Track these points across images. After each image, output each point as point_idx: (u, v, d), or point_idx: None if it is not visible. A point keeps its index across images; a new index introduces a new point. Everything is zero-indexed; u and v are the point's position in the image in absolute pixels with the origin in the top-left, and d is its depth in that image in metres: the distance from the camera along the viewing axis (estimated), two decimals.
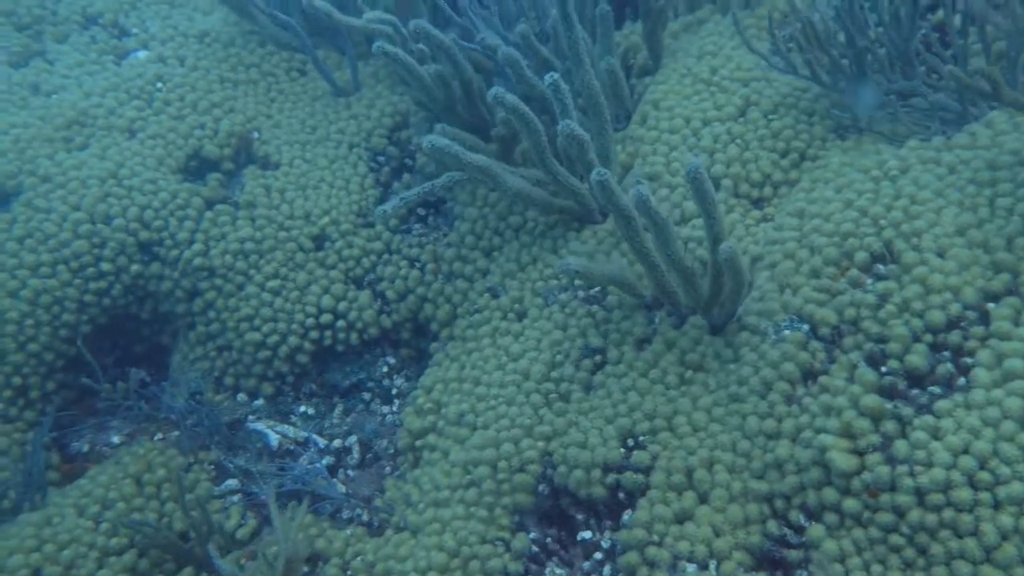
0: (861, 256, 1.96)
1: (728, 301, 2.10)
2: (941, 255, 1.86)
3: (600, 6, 2.58)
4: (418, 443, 2.49)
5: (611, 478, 2.08)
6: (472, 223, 2.76)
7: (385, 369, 2.88)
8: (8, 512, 2.45)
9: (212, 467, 2.70)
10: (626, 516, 2.04)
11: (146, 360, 2.96)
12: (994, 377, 1.70)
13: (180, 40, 3.25)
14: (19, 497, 2.45)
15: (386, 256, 2.89)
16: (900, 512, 1.66)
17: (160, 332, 2.93)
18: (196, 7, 3.47)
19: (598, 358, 2.31)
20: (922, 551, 1.64)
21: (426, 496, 2.32)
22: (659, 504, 1.96)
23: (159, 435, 2.79)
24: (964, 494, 1.60)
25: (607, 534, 2.09)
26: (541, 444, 2.21)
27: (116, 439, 2.80)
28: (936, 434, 1.67)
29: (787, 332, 2.00)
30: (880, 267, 1.94)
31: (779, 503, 1.86)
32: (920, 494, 1.64)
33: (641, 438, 2.09)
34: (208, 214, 2.85)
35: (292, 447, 2.77)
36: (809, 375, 1.94)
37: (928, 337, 1.80)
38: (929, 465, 1.64)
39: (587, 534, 2.13)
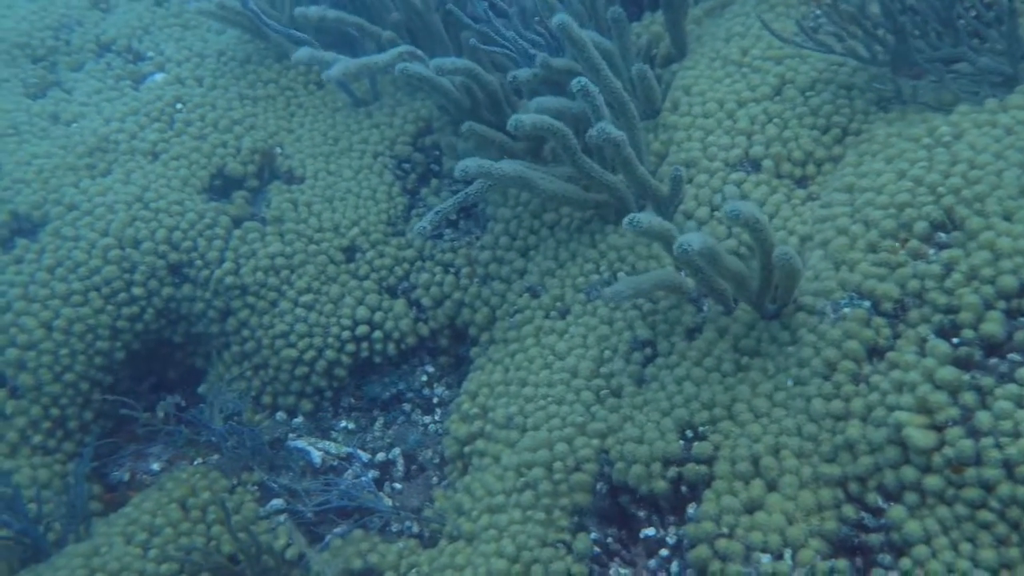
0: (921, 226, 1.90)
1: (782, 295, 2.03)
2: (1008, 218, 1.80)
3: (612, 9, 2.54)
4: (466, 450, 2.44)
5: (672, 471, 2.01)
6: (506, 223, 2.71)
7: (424, 378, 2.83)
8: (54, 544, 2.41)
9: (256, 488, 2.65)
10: (691, 510, 1.98)
11: (180, 385, 2.93)
12: None
13: (196, 60, 3.23)
14: (64, 529, 2.41)
15: (419, 263, 2.85)
16: (988, 487, 1.60)
17: (193, 355, 2.89)
18: (209, 27, 3.45)
19: (648, 350, 2.25)
20: (1015, 526, 1.57)
21: (479, 503, 2.26)
22: (726, 495, 1.90)
23: (199, 459, 2.75)
24: None
25: (672, 530, 2.03)
26: (596, 442, 2.15)
27: (156, 466, 2.76)
28: (1021, 403, 1.60)
29: (847, 310, 1.94)
30: (942, 235, 1.87)
31: (853, 486, 1.80)
32: (1009, 466, 1.57)
33: (700, 429, 2.03)
34: (236, 232, 2.82)
35: (335, 463, 2.72)
36: (874, 352, 1.87)
37: (1001, 304, 1.73)
38: (1017, 435, 1.57)
39: (650, 531, 2.06)
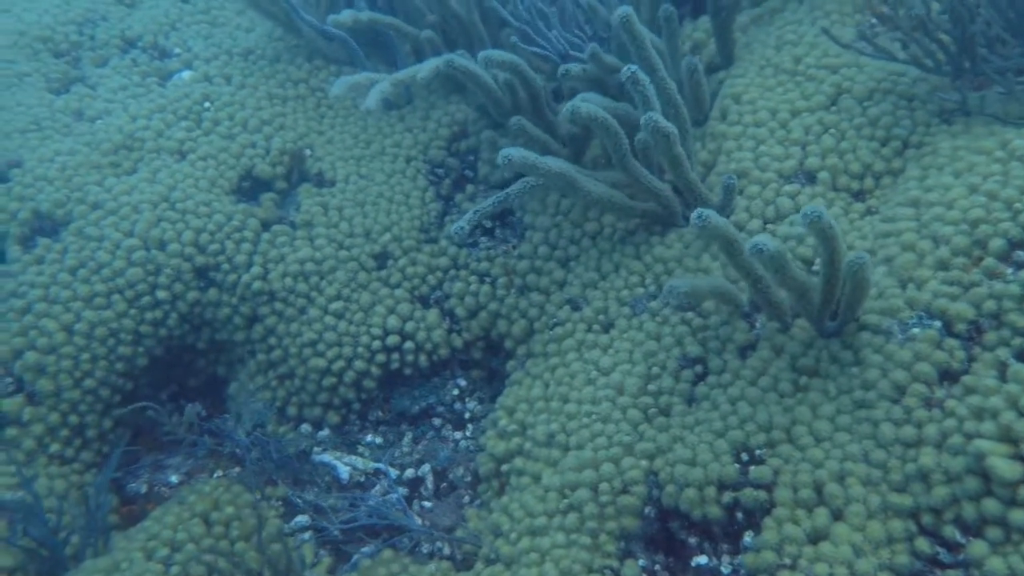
0: (997, 243, 1.82)
1: (844, 312, 1.95)
2: None
3: (664, 7, 2.47)
4: (504, 468, 2.36)
5: (727, 496, 1.93)
6: (545, 232, 2.64)
7: (456, 392, 2.76)
8: (71, 559, 2.33)
9: (280, 503, 2.57)
10: (748, 538, 1.90)
11: (201, 394, 2.85)
12: None
13: (225, 58, 3.17)
14: (82, 542, 2.33)
15: (453, 272, 2.77)
16: None
17: (216, 363, 2.82)
18: (238, 25, 3.39)
19: (699, 368, 2.17)
20: None
21: (518, 524, 2.18)
22: (788, 523, 1.82)
23: (219, 472, 2.67)
24: None
25: (726, 559, 1.95)
26: (645, 463, 2.07)
27: (175, 478, 2.68)
28: None
29: (916, 330, 1.86)
30: (1021, 254, 1.80)
31: (927, 518, 1.71)
32: None
33: (758, 452, 1.95)
34: (265, 235, 2.74)
35: (363, 479, 2.65)
36: (947, 376, 1.79)
37: None
38: None
39: (702, 559, 1.98)
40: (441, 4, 2.90)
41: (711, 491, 1.95)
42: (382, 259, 2.78)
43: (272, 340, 2.69)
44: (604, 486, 2.07)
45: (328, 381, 2.65)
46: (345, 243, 2.76)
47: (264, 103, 3.04)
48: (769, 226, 2.27)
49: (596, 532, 2.04)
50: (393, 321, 2.68)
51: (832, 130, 2.31)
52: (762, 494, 1.89)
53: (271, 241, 2.73)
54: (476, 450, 2.66)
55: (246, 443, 2.58)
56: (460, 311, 2.72)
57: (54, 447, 2.49)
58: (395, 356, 2.69)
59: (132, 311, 2.60)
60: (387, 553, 2.38)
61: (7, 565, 2.24)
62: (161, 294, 2.62)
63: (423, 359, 2.70)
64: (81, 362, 2.52)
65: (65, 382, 2.50)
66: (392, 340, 2.67)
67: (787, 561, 1.78)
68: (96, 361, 2.54)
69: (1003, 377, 1.69)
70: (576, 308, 2.50)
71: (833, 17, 2.55)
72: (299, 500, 2.58)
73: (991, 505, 1.61)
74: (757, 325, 2.17)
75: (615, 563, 2.00)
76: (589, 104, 2.10)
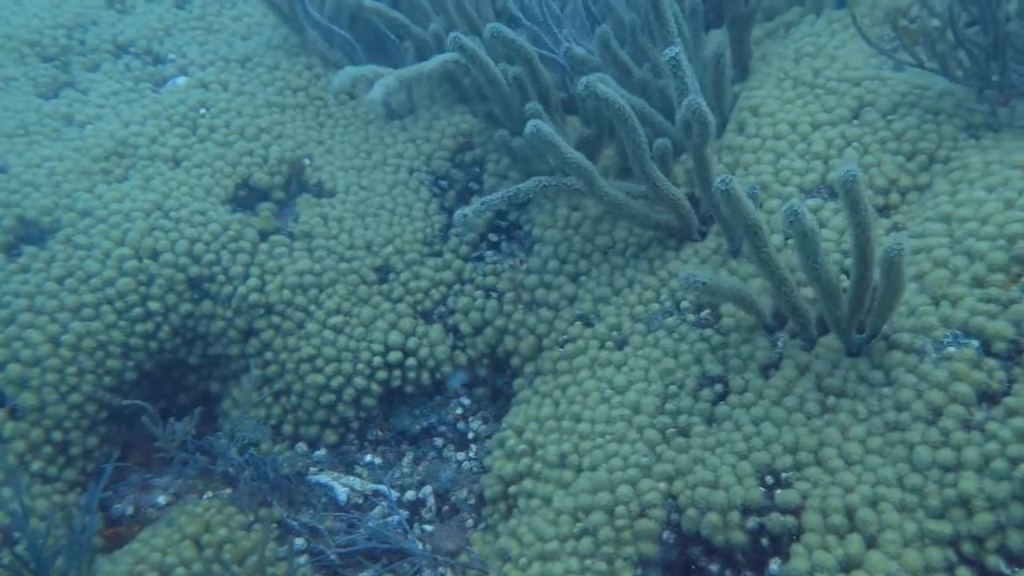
0: None
1: (873, 319, 1.89)
2: None
3: (689, 0, 2.42)
4: (512, 490, 2.27)
5: (752, 521, 1.86)
6: (554, 246, 2.57)
7: (459, 411, 2.67)
8: None
9: (274, 526, 2.46)
10: (774, 566, 1.82)
11: (192, 411, 2.74)
12: None
13: (221, 65, 3.09)
14: (66, 565, 2.21)
15: (458, 287, 2.69)
16: None
17: (208, 378, 2.71)
18: (234, 32, 3.32)
19: (719, 387, 2.10)
20: None
21: (528, 549, 2.09)
22: (819, 550, 1.74)
23: (209, 493, 2.57)
24: None
25: None
26: (663, 485, 1.99)
27: (162, 499, 2.56)
28: None
29: (952, 349, 1.80)
30: None
31: (968, 547, 1.64)
32: None
33: (784, 475, 1.87)
34: (263, 246, 2.66)
35: (360, 501, 2.54)
36: (986, 397, 1.73)
37: None
38: None
39: None
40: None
41: (735, 516, 1.87)
42: (384, 272, 2.70)
43: (268, 355, 2.59)
44: (620, 509, 1.99)
45: (326, 398, 2.56)
46: (346, 255, 2.68)
47: (262, 111, 2.96)
48: (790, 242, 2.21)
49: (612, 558, 1.95)
50: (395, 337, 2.60)
51: (855, 144, 2.26)
52: (790, 519, 1.81)
53: (269, 252, 2.65)
54: (480, 471, 2.57)
55: (240, 462, 2.48)
56: (465, 327, 2.64)
57: (36, 465, 2.38)
58: (397, 373, 2.60)
59: (122, 323, 2.50)
60: None
61: None
62: (153, 305, 2.52)
63: (426, 376, 2.62)
64: (67, 375, 2.42)
65: (50, 396, 2.39)
66: (394, 356, 2.59)
67: None
68: (83, 375, 2.44)
69: None
70: (588, 324, 2.42)
71: (853, 30, 2.51)
72: (294, 522, 2.47)
73: None
74: (779, 344, 2.10)
75: None
76: (608, 87, 2.02)
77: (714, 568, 1.92)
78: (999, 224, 1.86)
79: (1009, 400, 1.67)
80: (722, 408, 2.05)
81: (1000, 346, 1.74)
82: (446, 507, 2.53)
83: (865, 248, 1.72)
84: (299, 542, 2.44)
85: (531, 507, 2.19)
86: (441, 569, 2.34)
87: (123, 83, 3.06)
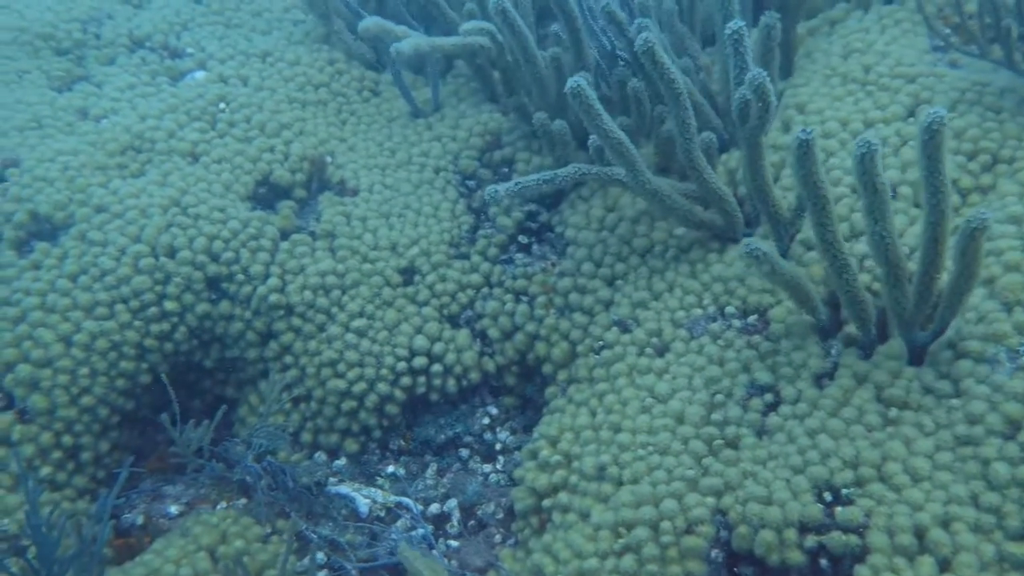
0: None
1: (942, 311, 1.78)
2: None
3: None
4: (545, 503, 2.16)
5: (811, 540, 1.75)
6: (589, 248, 2.47)
7: (486, 421, 2.56)
8: None
9: (293, 538, 2.35)
10: None
11: (206, 416, 2.64)
12: None
13: (241, 59, 3.01)
14: None
15: (486, 290, 2.60)
16: None
17: (224, 383, 2.61)
18: (253, 27, 3.24)
19: (769, 396, 2.00)
20: None
21: (565, 567, 1.98)
22: (886, 572, 1.63)
23: (223, 503, 2.46)
24: None
25: None
26: (711, 500, 1.88)
27: (174, 509, 2.46)
28: None
29: None
30: None
31: None
32: None
33: (844, 491, 1.77)
34: (284, 245, 2.56)
35: (382, 513, 2.44)
36: None
37: None
38: None
39: None
40: None
41: (791, 534, 1.76)
42: (409, 274, 2.60)
43: (288, 359, 2.49)
44: (666, 525, 1.88)
45: (347, 405, 2.46)
46: (369, 256, 2.58)
47: (283, 106, 2.87)
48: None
49: None
50: (420, 341, 2.50)
51: (912, 143, 2.16)
52: (853, 539, 1.70)
53: (290, 251, 2.55)
54: (508, 484, 2.47)
55: (257, 470, 2.37)
56: (493, 332, 2.54)
57: (45, 470, 2.27)
58: (421, 379, 2.50)
59: (137, 323, 2.40)
60: None
61: None
62: (169, 305, 2.43)
63: (452, 384, 2.52)
64: (79, 377, 2.32)
65: (61, 399, 2.29)
66: (419, 362, 2.48)
67: None
68: (95, 376, 2.34)
69: None
70: (625, 330, 2.32)
71: (904, 26, 2.42)
72: (313, 535, 2.37)
73: None
74: (833, 352, 2.00)
75: None
76: (657, 43, 1.91)
77: None
78: None
79: None
80: (773, 419, 1.95)
81: None
82: (472, 521, 2.42)
83: (939, 222, 1.61)
84: (319, 556, 2.34)
85: (567, 522, 2.08)
86: None
87: (139, 77, 2.98)
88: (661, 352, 2.22)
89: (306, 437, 2.50)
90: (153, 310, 2.41)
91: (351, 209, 2.66)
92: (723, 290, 2.21)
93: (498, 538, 2.37)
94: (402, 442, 2.55)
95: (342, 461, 2.51)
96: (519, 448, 2.51)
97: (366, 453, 2.53)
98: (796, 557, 1.74)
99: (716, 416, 2.01)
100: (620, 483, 2.02)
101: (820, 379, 1.97)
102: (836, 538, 1.71)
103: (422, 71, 3.15)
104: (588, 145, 2.13)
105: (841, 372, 1.93)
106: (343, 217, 2.64)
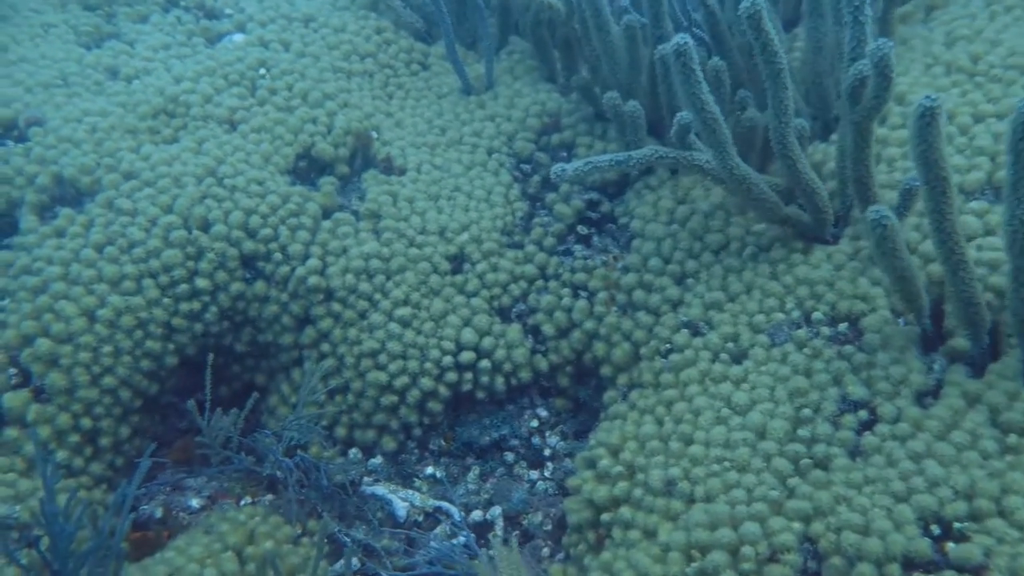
0: None
1: None
2: None
3: None
4: (604, 517, 2.01)
5: None
6: (657, 243, 2.32)
7: (534, 424, 2.41)
8: None
9: (324, 541, 2.21)
10: None
11: (233, 404, 2.49)
12: None
13: (283, 23, 2.86)
14: (90, 573, 1.96)
15: (541, 283, 2.44)
16: None
17: (255, 369, 2.47)
18: None
19: (863, 413, 1.84)
20: None
21: None
22: None
23: (247, 498, 2.32)
24: None
25: None
26: (798, 525, 1.72)
27: (195, 502, 2.31)
28: None
29: None
30: None
31: None
32: None
33: (957, 525, 1.60)
34: (326, 224, 2.41)
35: (420, 518, 2.29)
36: None
37: None
38: None
39: None
40: None
41: (894, 569, 1.60)
42: (458, 262, 2.45)
43: (325, 347, 2.35)
44: (747, 550, 1.72)
45: (388, 399, 2.31)
46: (416, 240, 2.43)
47: (327, 75, 2.72)
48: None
49: None
50: (468, 335, 2.34)
51: None
52: None
53: (332, 231, 2.40)
54: (557, 493, 2.32)
55: (290, 465, 2.22)
56: (547, 328, 2.39)
57: (61, 455, 2.13)
58: (468, 376, 2.34)
59: (165, 300, 2.25)
60: None
61: None
62: (201, 283, 2.28)
63: (500, 382, 2.36)
64: (102, 355, 2.17)
65: (81, 378, 2.14)
66: (466, 357, 2.33)
67: None
68: (119, 356, 2.19)
69: None
70: (697, 333, 2.16)
71: (1016, 12, 2.25)
72: (346, 538, 2.22)
73: None
74: (935, 367, 1.84)
75: None
76: (766, 9, 1.75)
77: None
78: None
79: None
80: (869, 439, 1.79)
81: None
82: (517, 532, 2.27)
83: None
84: (353, 561, 2.19)
85: (629, 539, 1.92)
86: None
87: (174, 37, 2.83)
88: (738, 359, 2.06)
89: (341, 432, 2.35)
90: (184, 287, 2.27)
91: (398, 189, 2.51)
92: (808, 294, 2.05)
93: (546, 551, 2.22)
94: (443, 442, 2.40)
95: (378, 459, 2.37)
96: (570, 455, 2.36)
97: (404, 452, 2.39)
98: None
99: (803, 432, 1.85)
100: (692, 500, 1.86)
101: (923, 397, 1.81)
102: None
103: (474, 46, 3.00)
104: (675, 122, 1.97)
105: (948, 391, 1.77)
106: (389, 197, 2.48)
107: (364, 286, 2.35)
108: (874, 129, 1.82)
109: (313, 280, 2.33)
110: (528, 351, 2.38)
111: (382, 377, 2.30)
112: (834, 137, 2.30)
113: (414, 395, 2.32)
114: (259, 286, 2.34)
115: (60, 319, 2.15)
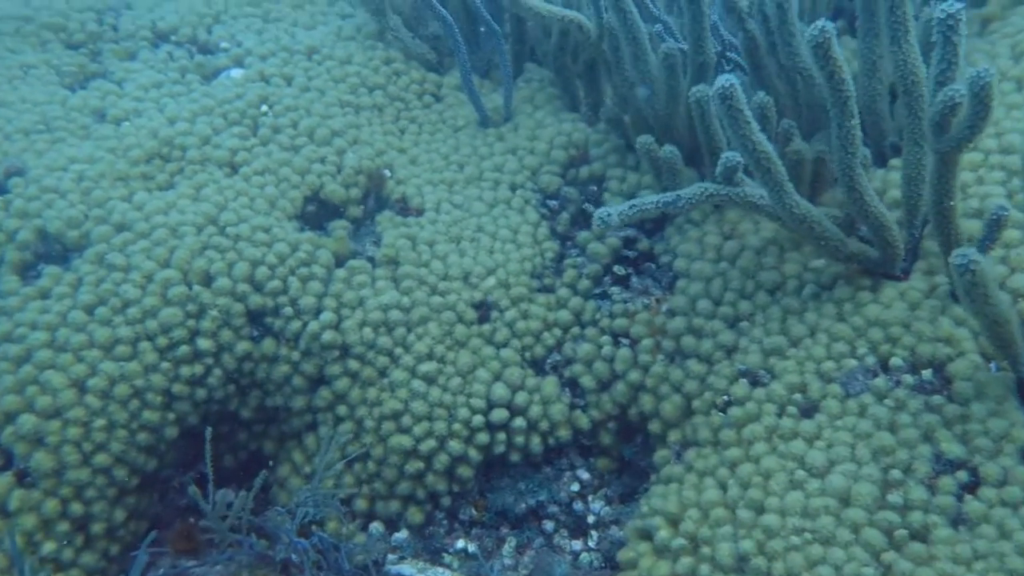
0: None
1: None
2: None
3: None
4: None
5: None
6: (705, 283, 2.14)
7: (575, 487, 2.22)
8: None
9: None
10: None
11: (239, 475, 2.29)
12: None
13: (284, 56, 2.69)
14: None
15: (577, 330, 2.26)
16: None
17: (263, 436, 2.27)
18: (295, 21, 2.92)
19: (963, 474, 1.65)
20: None
21: None
22: None
23: None
24: None
25: None
26: None
27: None
28: None
29: None
30: None
31: None
32: None
33: None
34: (339, 273, 2.23)
35: None
36: None
37: None
38: None
39: None
40: None
41: None
42: (485, 310, 2.26)
43: (342, 409, 2.15)
44: None
45: (413, 466, 2.11)
46: (439, 287, 2.25)
47: (334, 110, 2.55)
48: None
49: None
50: (500, 390, 2.16)
51: None
52: None
53: (346, 280, 2.21)
54: (603, 567, 2.12)
55: (306, 546, 2.01)
56: (587, 381, 2.20)
57: (48, 547, 1.92)
58: (500, 436, 2.15)
59: (164, 364, 2.06)
60: None
61: None
62: (203, 343, 2.08)
63: (536, 442, 2.17)
64: (93, 430, 1.97)
65: (70, 457, 1.94)
66: (498, 415, 2.14)
67: None
68: (113, 430, 1.99)
69: None
70: (757, 383, 1.98)
71: None
72: None
73: None
74: None
75: None
76: (835, 35, 1.61)
77: None
78: None
79: None
80: (974, 505, 1.60)
81: None
82: None
83: None
84: None
85: None
86: None
87: (166, 74, 2.66)
88: (808, 412, 1.87)
89: (360, 504, 2.15)
90: (184, 349, 2.07)
91: (416, 232, 2.33)
92: (883, 337, 1.87)
93: None
94: (474, 511, 2.20)
95: (403, 534, 2.16)
96: (617, 521, 2.16)
97: (432, 524, 2.19)
98: None
99: (894, 498, 1.66)
100: None
101: None
102: None
103: (488, 74, 2.84)
104: (720, 164, 1.80)
105: None
106: (407, 241, 2.30)
107: (383, 340, 2.16)
108: (961, 160, 1.65)
109: (327, 336, 2.14)
110: (566, 407, 2.19)
111: (406, 441, 2.11)
112: (894, 162, 2.13)
113: (442, 460, 2.12)
114: (267, 344, 2.15)
115: (46, 391, 1.95)
